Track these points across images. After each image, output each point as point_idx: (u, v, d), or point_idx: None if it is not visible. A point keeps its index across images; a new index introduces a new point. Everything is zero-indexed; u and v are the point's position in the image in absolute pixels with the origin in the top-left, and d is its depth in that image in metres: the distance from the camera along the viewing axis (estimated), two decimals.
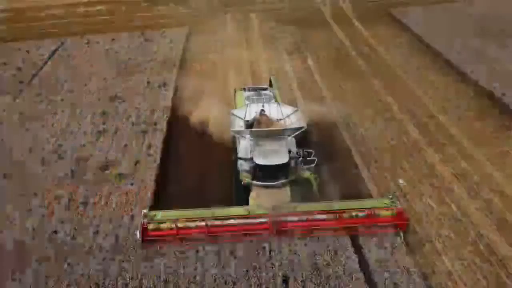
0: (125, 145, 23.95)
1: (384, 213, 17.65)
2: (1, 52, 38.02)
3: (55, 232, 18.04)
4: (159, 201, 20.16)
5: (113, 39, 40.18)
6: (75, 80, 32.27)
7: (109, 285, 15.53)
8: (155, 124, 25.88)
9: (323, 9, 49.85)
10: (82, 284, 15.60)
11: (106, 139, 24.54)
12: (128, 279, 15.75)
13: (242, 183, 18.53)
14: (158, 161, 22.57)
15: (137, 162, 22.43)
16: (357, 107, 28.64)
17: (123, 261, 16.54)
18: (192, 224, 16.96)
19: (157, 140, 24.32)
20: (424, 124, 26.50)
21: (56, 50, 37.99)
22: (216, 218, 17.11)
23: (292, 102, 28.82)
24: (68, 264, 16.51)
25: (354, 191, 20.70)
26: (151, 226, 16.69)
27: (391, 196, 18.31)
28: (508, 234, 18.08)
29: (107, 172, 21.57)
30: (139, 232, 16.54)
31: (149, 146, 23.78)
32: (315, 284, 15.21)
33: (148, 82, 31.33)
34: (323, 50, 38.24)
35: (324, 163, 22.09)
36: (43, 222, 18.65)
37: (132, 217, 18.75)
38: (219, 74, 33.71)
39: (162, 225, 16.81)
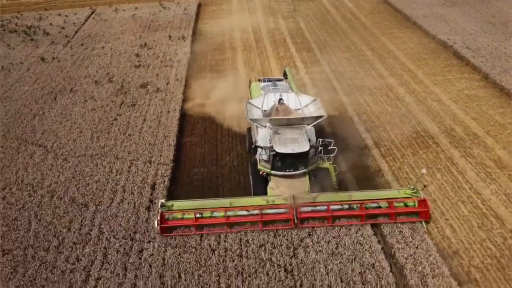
0: (157, 74, 31.23)
1: (406, 203, 17.50)
2: (45, 17, 45.32)
3: (115, 119, 25.33)
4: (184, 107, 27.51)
5: (136, 8, 47.58)
6: (110, 35, 39.64)
7: (159, 144, 22.80)
8: (179, 61, 33.15)
9: None
10: (141, 143, 22.87)
11: (142, 69, 31.96)
12: (172, 143, 22.97)
13: (261, 173, 18.20)
14: (183, 83, 29.81)
15: (167, 83, 29.71)
16: (337, 54, 35.97)
17: (164, 134, 23.82)
18: (211, 214, 16.71)
19: (182, 70, 31.59)
20: (390, 64, 33.77)
21: (90, 15, 45.34)
22: (235, 208, 16.87)
23: (286, 52, 36.48)
24: (129, 134, 23.79)
25: (331, 99, 28.08)
26: (168, 216, 16.65)
27: (412, 187, 18.02)
28: (439, 122, 25.44)
29: (147, 87, 28.81)
30: (157, 222, 16.37)
31: (176, 74, 31.06)
32: None
33: (170, 36, 38.65)
34: (313, 16, 45.63)
35: (313, 85, 30.10)
36: (105, 115, 25.90)
37: (168, 111, 26.03)
38: (226, 32, 41.19)
39: (180, 215, 16.69)
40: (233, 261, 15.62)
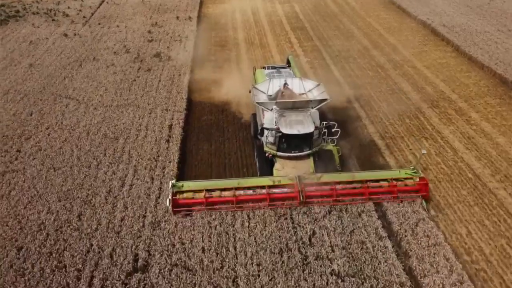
0: (168, 46, 35.41)
1: (406, 182, 18.30)
2: (63, 1, 49.49)
3: (134, 80, 29.49)
4: (193, 72, 31.53)
5: None
6: (123, 16, 43.82)
7: (173, 98, 26.95)
8: (187, 37, 37.35)
9: None
10: (158, 97, 27.02)
11: (155, 43, 36.17)
12: (184, 97, 27.10)
13: (267, 155, 18.95)
14: (191, 53, 34.00)
15: (178, 53, 33.91)
16: (328, 32, 40.18)
17: (177, 91, 27.97)
18: (220, 193, 17.46)
19: (190, 43, 35.81)
20: (374, 39, 37.99)
21: (103, 0, 49.51)
22: (243, 188, 17.47)
23: (282, 30, 40.67)
24: (147, 91, 27.96)
25: (320, 66, 32.31)
26: (180, 195, 17.37)
27: (412, 167, 18.76)
28: (412, 83, 29.62)
29: (161, 56, 33.00)
30: (169, 201, 17.09)
31: (184, 47, 35.26)
32: None
33: (177, 17, 42.87)
34: (307, 2, 49.85)
35: (305, 56, 34.24)
36: (125, 77, 30.06)
37: (180, 75, 30.19)
38: (228, 14, 45.46)
39: (191, 194, 17.48)
40: None
